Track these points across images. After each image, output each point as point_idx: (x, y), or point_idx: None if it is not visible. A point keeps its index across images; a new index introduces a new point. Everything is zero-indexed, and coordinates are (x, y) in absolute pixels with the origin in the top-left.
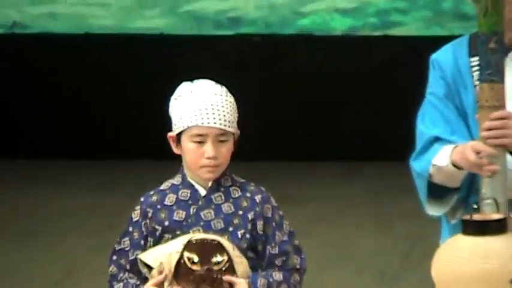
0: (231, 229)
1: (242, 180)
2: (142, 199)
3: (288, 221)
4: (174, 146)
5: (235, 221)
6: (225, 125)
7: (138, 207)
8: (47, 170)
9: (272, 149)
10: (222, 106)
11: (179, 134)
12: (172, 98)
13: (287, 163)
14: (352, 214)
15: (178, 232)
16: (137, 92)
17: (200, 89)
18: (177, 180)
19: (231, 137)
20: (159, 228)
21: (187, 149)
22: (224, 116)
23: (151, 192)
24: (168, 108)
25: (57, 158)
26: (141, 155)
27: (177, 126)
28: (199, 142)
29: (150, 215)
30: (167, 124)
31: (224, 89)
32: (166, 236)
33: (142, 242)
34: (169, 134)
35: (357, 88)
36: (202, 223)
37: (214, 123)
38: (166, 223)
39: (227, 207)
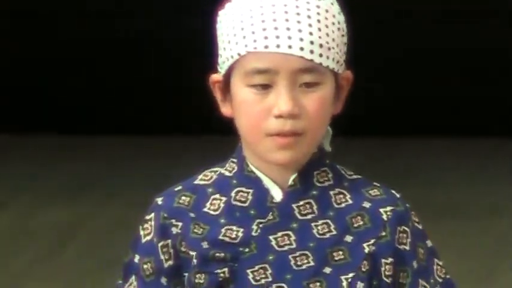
0: (327, 271)
1: (354, 176)
2: (159, 201)
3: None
4: (221, 98)
5: (338, 256)
6: (311, 51)
7: (151, 216)
8: None
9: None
10: (308, 16)
11: (228, 75)
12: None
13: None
14: None
15: (223, 268)
16: None
17: None
18: (229, 168)
19: (330, 79)
20: (193, 254)
21: (241, 102)
22: (311, 34)
23: (177, 189)
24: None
25: None
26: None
27: (222, 59)
28: (264, 87)
29: (175, 231)
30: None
31: None
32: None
33: (164, 281)
34: (213, 77)
35: None
36: (271, 257)
37: (290, 46)
38: (205, 246)
39: (323, 228)
